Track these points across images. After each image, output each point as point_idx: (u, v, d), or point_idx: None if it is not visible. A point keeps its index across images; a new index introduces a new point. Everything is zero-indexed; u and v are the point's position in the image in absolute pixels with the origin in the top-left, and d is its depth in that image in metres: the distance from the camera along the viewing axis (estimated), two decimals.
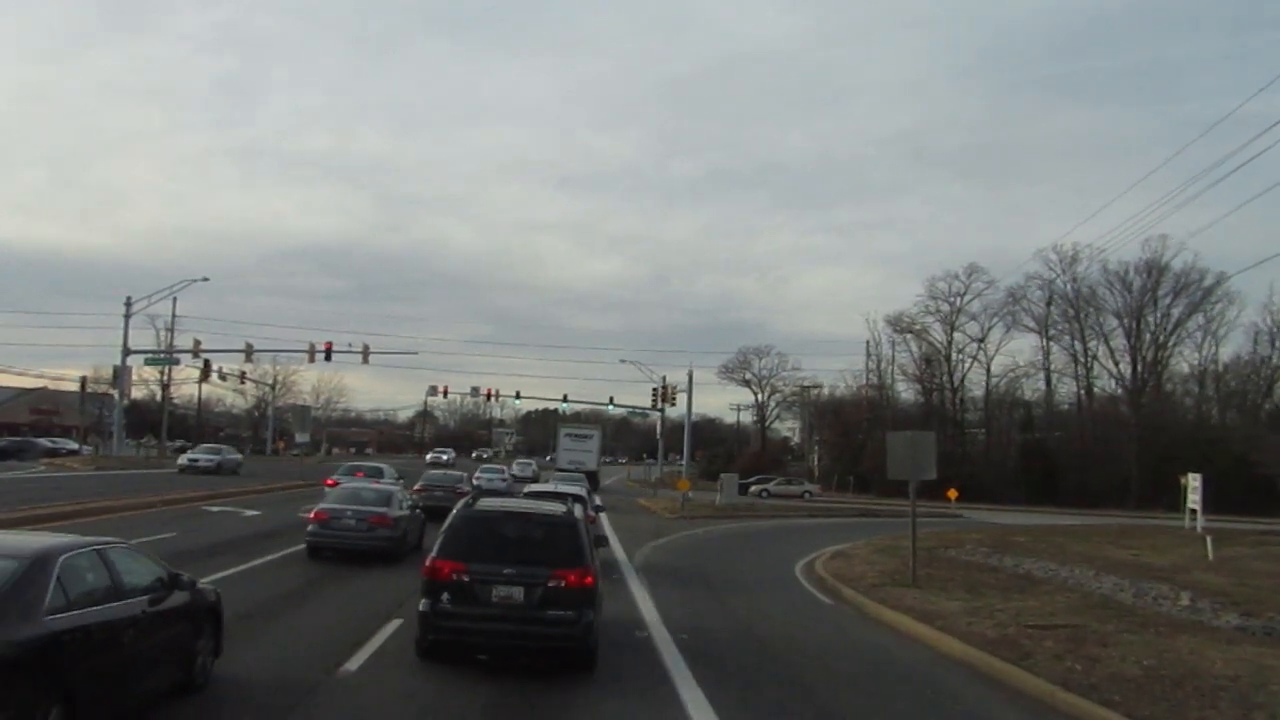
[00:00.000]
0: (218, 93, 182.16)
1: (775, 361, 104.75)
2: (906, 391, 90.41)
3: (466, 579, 10.06)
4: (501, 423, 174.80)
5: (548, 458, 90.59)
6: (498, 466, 51.69)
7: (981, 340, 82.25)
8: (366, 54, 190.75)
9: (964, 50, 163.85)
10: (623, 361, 76.00)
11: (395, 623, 12.46)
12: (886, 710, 10.38)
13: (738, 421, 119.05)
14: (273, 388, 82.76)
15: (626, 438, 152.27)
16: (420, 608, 10.28)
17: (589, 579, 10.29)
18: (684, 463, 46.96)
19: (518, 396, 74.23)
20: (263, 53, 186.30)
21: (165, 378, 78.25)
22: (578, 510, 11.66)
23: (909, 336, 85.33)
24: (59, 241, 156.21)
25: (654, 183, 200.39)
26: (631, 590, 17.33)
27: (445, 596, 10.09)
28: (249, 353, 46.42)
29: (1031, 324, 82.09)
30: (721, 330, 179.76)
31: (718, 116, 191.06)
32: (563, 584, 10.08)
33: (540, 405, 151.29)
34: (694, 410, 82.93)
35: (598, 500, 31.88)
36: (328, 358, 44.42)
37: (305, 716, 8.59)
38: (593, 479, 49.28)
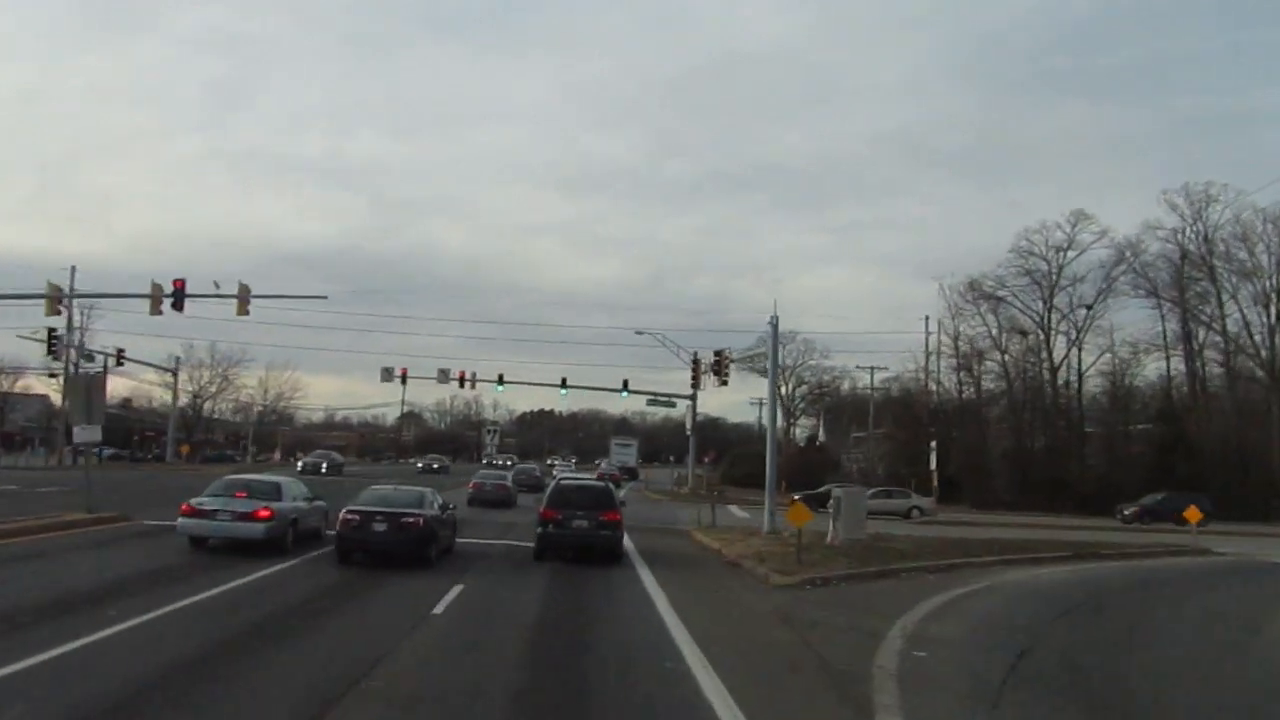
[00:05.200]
0: (211, 95, 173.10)
1: (801, 349, 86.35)
2: (982, 380, 73.15)
3: (560, 516, 20.46)
4: (494, 423, 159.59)
5: (571, 460, 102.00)
6: (565, 463, 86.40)
7: (1090, 307, 65.04)
8: (360, 56, 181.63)
9: (961, 48, 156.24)
10: (639, 333, 60.28)
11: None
12: None
13: (760, 418, 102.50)
14: (199, 388, 66.05)
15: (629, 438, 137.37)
16: (537, 531, 20.70)
17: (618, 516, 21.19)
18: (767, 474, 29.60)
19: (500, 381, 57.75)
20: (256, 55, 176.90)
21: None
22: (612, 486, 24.89)
23: (984, 306, 68.15)
24: (49, 246, 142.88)
25: (650, 184, 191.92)
26: None
27: (550, 526, 20.38)
28: (55, 297, 28.80)
29: (1148, 286, 65.06)
30: (719, 332, 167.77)
31: (714, 117, 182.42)
32: (605, 518, 20.67)
33: (533, 401, 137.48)
34: (697, 409, 64.75)
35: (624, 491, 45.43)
36: (177, 305, 27.75)
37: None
38: (633, 472, 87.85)
